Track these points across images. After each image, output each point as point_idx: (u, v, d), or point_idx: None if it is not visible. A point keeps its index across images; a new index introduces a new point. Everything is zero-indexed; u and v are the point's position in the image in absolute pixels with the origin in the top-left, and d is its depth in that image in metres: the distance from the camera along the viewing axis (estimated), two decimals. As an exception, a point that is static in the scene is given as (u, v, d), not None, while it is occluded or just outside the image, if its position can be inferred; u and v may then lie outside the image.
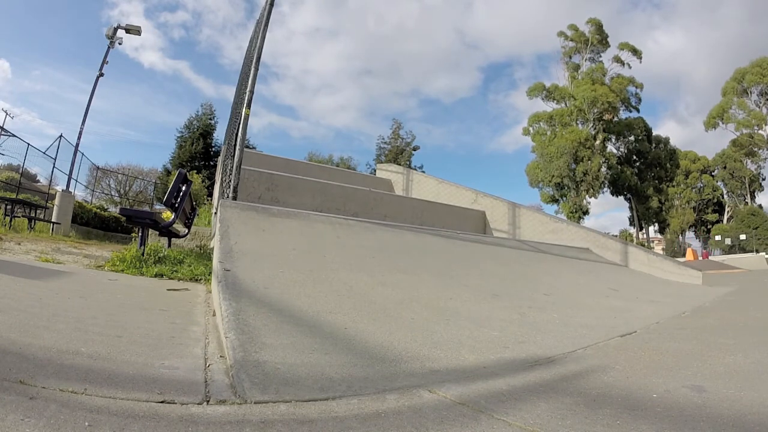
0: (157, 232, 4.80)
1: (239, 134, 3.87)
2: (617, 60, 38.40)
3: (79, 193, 16.87)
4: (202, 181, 17.38)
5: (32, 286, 2.28)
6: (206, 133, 29.89)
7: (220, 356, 1.41)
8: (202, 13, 78.96)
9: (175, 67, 75.81)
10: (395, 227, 4.24)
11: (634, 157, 39.86)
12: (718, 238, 36.41)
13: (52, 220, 9.97)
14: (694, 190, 40.94)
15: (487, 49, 74.25)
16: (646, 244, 38.40)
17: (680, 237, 42.42)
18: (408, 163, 35.46)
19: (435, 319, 2.03)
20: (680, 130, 64.46)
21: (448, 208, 7.17)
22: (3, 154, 13.12)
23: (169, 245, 4.81)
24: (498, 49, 72.92)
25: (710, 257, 25.42)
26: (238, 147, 3.82)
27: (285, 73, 79.13)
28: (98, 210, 14.88)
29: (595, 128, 36.99)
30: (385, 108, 74.55)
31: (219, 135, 29.34)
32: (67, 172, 12.45)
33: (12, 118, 27.71)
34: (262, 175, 5.27)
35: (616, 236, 18.16)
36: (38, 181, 16.84)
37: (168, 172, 26.64)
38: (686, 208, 40.83)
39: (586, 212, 36.75)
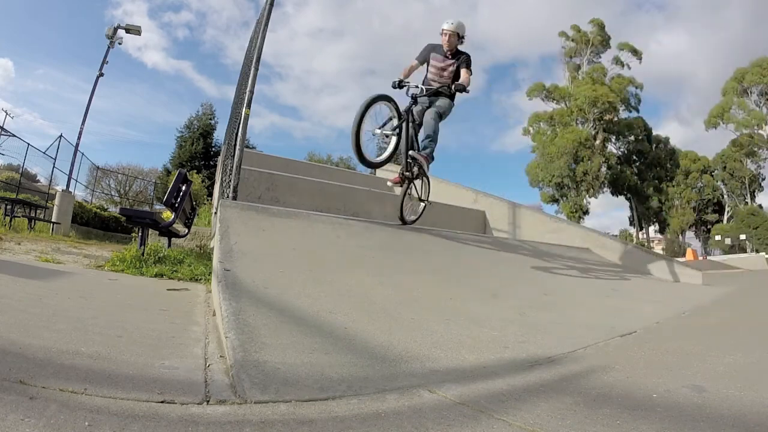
0: (157, 232, 4.80)
1: (239, 134, 3.87)
2: (617, 61, 38.41)
3: (79, 193, 16.89)
4: (202, 181, 17.40)
5: (32, 286, 2.28)
6: (206, 133, 29.92)
7: (220, 356, 1.41)
8: (206, 13, 79.16)
9: (178, 67, 75.62)
10: (395, 227, 4.24)
11: (634, 157, 39.84)
12: (718, 238, 36.39)
13: (52, 220, 9.98)
14: (694, 190, 40.88)
15: (492, 50, 74.02)
16: (646, 244, 38.40)
17: (680, 237, 42.42)
18: (408, 163, 35.41)
19: (435, 319, 2.02)
20: (682, 131, 64.62)
21: (448, 208, 7.17)
22: (3, 154, 13.14)
23: (169, 245, 4.81)
24: (502, 50, 72.94)
25: (709, 258, 25.40)
26: (238, 147, 3.82)
27: (288, 73, 79.08)
28: (98, 210, 14.90)
29: (595, 128, 36.99)
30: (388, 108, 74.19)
31: (219, 135, 29.38)
32: (67, 172, 12.48)
33: (12, 118, 27.69)
34: (262, 175, 5.27)
35: (616, 236, 18.17)
36: (38, 181, 16.84)
37: (168, 172, 26.67)
38: (686, 208, 40.80)
39: (586, 212, 36.77)
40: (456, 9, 71.60)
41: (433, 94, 4.24)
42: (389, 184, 4.60)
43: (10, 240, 5.21)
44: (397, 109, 4.05)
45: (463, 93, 4.21)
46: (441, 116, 4.23)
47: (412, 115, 4.17)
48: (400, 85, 4.20)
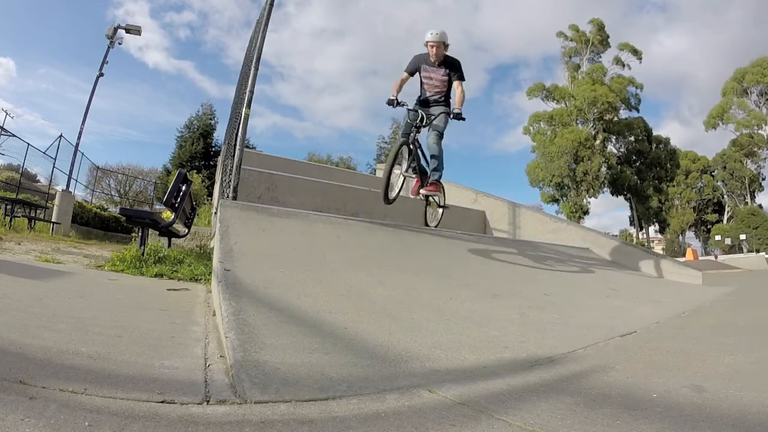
0: (157, 232, 4.80)
1: (239, 134, 3.87)
2: (617, 61, 38.41)
3: (79, 193, 16.88)
4: (202, 181, 17.43)
5: (32, 286, 2.28)
6: (206, 133, 29.98)
7: (220, 356, 1.41)
8: (208, 13, 79.16)
9: (180, 67, 75.40)
10: (395, 227, 4.24)
11: (634, 157, 39.84)
12: (718, 238, 36.41)
13: (52, 220, 9.98)
14: (694, 190, 40.95)
15: (494, 50, 74.17)
16: (646, 244, 38.40)
17: (680, 237, 42.45)
18: (408, 163, 35.49)
19: (435, 319, 2.02)
20: (683, 131, 65.00)
21: (448, 208, 7.16)
22: (3, 154, 13.15)
23: (169, 245, 4.81)
24: (504, 51, 73.18)
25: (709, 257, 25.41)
26: (238, 147, 3.82)
27: (289, 73, 78.97)
28: (98, 210, 14.91)
29: (595, 128, 37.00)
30: (389, 108, 73.97)
31: (219, 135, 29.42)
32: (67, 172, 12.48)
33: (12, 117, 27.66)
34: (262, 175, 5.27)
35: (616, 236, 18.16)
36: (38, 181, 16.84)
37: (168, 172, 26.72)
38: (686, 208, 40.86)
39: (586, 212, 36.78)
40: (459, 9, 71.69)
41: (433, 106, 4.35)
42: (412, 196, 5.02)
43: (10, 240, 5.21)
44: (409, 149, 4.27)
45: (460, 120, 4.21)
46: (442, 136, 4.33)
47: (417, 141, 4.32)
48: (396, 104, 4.22)
